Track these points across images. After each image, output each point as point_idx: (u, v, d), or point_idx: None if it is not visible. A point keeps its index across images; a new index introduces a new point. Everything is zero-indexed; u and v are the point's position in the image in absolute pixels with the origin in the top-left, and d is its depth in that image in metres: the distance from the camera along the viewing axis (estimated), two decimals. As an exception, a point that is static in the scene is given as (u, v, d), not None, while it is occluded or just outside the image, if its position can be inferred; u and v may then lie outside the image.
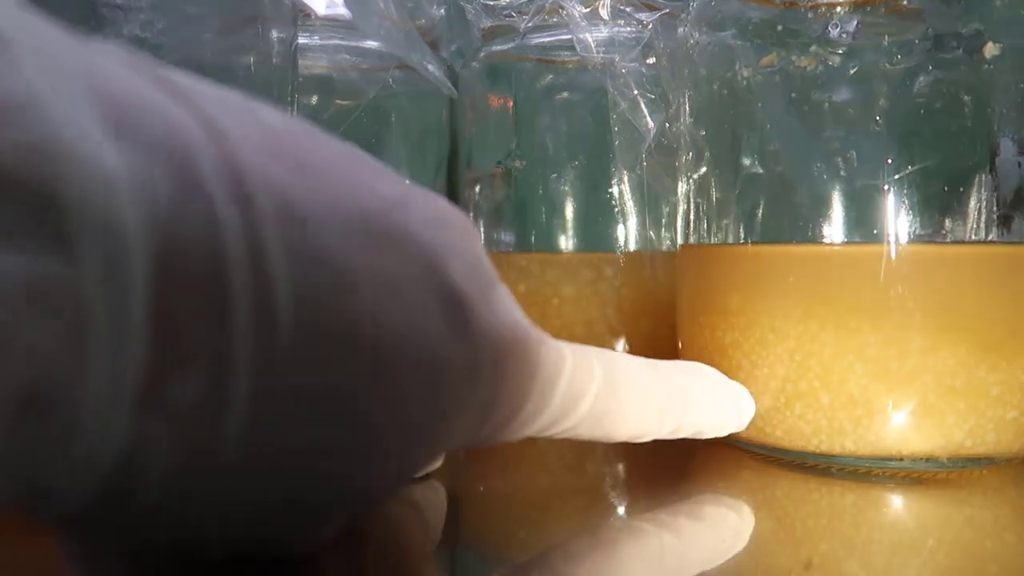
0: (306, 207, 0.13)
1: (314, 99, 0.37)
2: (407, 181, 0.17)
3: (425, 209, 0.16)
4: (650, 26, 0.33)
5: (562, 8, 0.34)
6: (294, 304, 0.13)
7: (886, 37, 0.26)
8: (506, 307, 0.18)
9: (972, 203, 0.26)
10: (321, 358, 0.13)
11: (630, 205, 0.35)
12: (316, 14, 0.32)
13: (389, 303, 0.14)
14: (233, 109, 0.14)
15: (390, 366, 0.14)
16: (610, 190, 0.37)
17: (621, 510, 0.25)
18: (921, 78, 0.26)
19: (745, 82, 0.28)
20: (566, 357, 0.20)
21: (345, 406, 0.14)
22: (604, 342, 0.35)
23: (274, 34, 0.29)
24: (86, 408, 0.11)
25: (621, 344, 0.35)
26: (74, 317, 0.11)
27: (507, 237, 0.38)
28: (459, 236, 0.17)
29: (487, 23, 0.37)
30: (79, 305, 0.11)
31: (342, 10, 0.33)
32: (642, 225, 0.35)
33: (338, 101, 0.37)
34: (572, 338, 0.35)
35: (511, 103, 0.38)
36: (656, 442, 0.32)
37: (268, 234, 0.12)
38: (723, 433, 0.24)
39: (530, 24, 0.36)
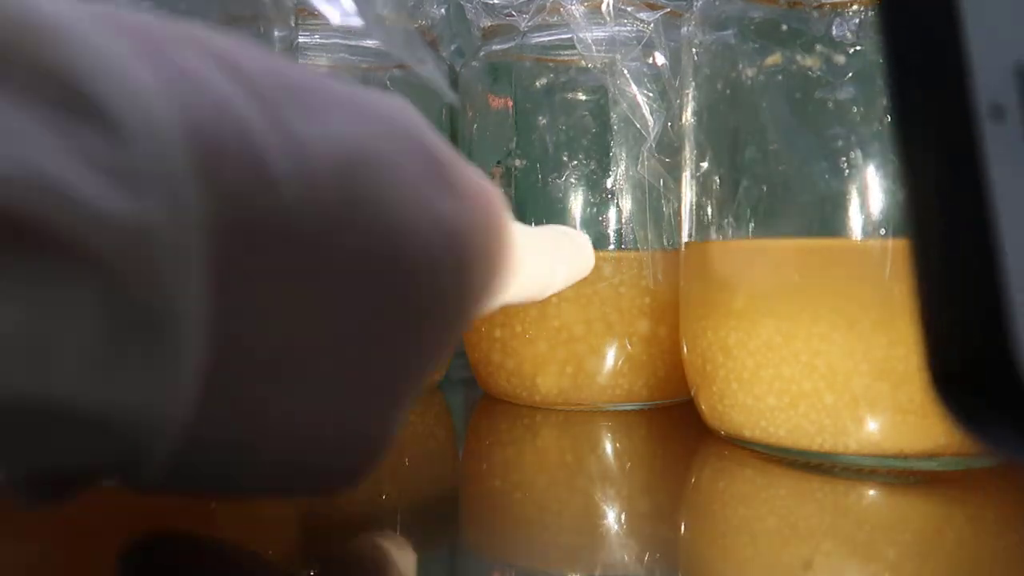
0: (308, 103, 0.14)
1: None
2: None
3: (392, 99, 0.17)
4: (651, 25, 0.33)
5: (562, 7, 0.34)
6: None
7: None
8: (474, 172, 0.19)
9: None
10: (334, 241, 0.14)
11: (630, 204, 0.35)
12: (332, 23, 0.32)
13: (389, 176, 0.15)
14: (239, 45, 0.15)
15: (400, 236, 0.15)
16: (610, 189, 0.36)
17: (621, 510, 0.25)
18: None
19: (748, 81, 0.28)
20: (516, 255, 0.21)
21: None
22: (603, 341, 0.35)
23: (275, 33, 0.29)
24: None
25: (624, 343, 0.35)
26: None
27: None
28: (418, 118, 0.18)
29: (487, 22, 0.37)
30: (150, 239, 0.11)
31: (355, 20, 0.32)
32: (642, 224, 0.35)
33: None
34: (571, 338, 0.35)
35: (511, 102, 0.38)
36: (657, 441, 0.32)
37: (288, 115, 0.13)
38: (580, 277, 0.27)
39: (530, 23, 0.36)
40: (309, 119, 0.14)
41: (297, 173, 0.13)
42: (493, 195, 0.19)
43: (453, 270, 0.16)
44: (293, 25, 0.30)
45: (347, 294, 0.15)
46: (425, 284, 0.16)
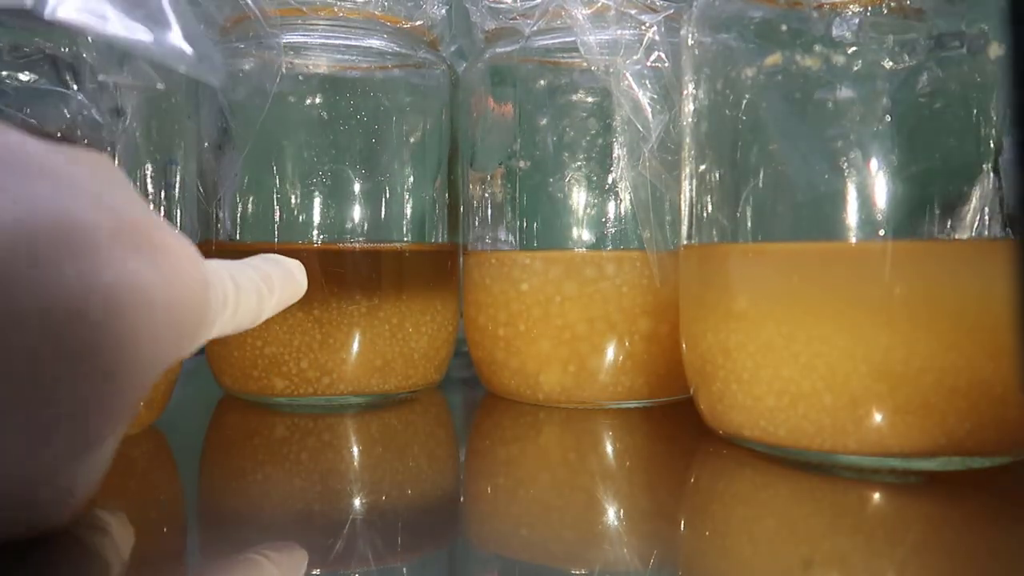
0: None
1: (315, 99, 0.37)
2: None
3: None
4: (653, 28, 0.33)
5: (565, 11, 0.34)
6: None
7: (890, 36, 0.26)
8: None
9: (976, 203, 0.26)
10: None
11: (632, 205, 0.35)
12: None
13: None
14: None
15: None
16: (613, 190, 0.37)
17: (623, 508, 0.25)
18: (924, 77, 0.25)
19: (748, 81, 0.28)
20: (209, 301, 0.22)
21: None
22: (605, 340, 0.35)
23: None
24: None
25: (624, 342, 0.35)
26: None
27: (510, 236, 0.38)
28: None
29: (491, 25, 0.37)
30: None
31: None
32: (644, 224, 0.35)
33: (338, 101, 0.37)
34: (574, 336, 0.35)
35: (515, 104, 0.38)
36: (658, 439, 0.33)
37: None
38: (294, 300, 0.28)
39: (535, 27, 0.36)
40: None
41: None
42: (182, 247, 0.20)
43: (96, 323, 0.17)
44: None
45: None
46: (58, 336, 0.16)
